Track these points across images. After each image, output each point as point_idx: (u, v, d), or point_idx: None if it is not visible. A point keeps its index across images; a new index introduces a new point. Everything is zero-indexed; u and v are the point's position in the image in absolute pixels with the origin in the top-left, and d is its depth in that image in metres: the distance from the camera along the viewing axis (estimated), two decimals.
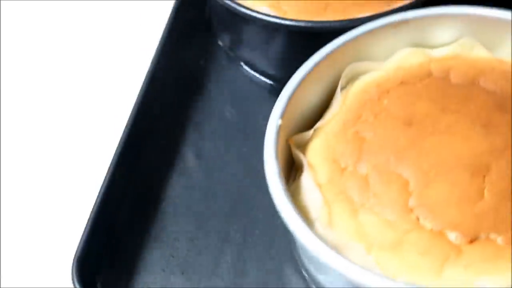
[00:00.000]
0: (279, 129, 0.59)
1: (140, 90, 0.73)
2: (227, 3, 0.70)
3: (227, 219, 0.67)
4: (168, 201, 0.69)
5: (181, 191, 0.70)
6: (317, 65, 0.62)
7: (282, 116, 0.59)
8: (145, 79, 0.74)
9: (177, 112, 0.75)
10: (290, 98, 0.60)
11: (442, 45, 0.64)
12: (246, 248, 0.66)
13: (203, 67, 0.79)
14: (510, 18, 0.62)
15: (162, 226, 0.68)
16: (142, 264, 0.65)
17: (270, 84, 0.77)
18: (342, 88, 0.64)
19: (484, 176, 0.55)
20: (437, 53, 0.64)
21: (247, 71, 0.79)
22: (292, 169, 0.62)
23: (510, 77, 0.61)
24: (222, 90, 0.77)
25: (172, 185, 0.71)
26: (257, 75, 0.78)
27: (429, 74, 0.62)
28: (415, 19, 0.64)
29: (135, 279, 0.65)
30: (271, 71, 0.76)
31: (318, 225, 0.55)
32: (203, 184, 0.70)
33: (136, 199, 0.69)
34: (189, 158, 0.72)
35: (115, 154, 0.68)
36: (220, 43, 0.81)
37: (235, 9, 0.69)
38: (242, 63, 0.79)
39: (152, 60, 0.75)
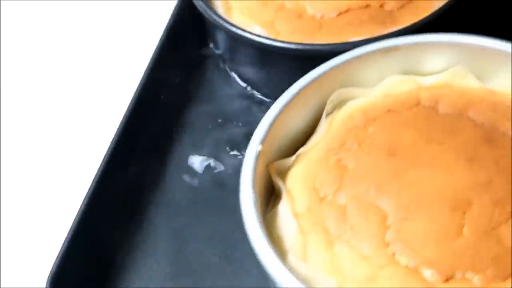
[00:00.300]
0: (259, 155, 0.57)
1: (130, 103, 0.73)
2: (218, 21, 0.69)
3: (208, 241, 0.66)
4: (150, 221, 0.68)
5: (163, 210, 0.69)
6: (302, 89, 0.61)
7: (263, 141, 0.58)
8: (137, 88, 0.74)
9: (165, 125, 0.75)
10: (272, 123, 0.59)
11: (433, 73, 0.63)
12: (226, 273, 0.64)
13: (195, 76, 0.78)
14: (502, 48, 0.60)
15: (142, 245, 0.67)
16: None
17: (261, 99, 0.75)
18: (328, 114, 0.62)
19: (464, 212, 0.53)
20: (427, 81, 0.63)
21: (239, 83, 0.77)
22: (273, 195, 0.60)
23: (500, 109, 0.59)
24: (211, 101, 0.77)
25: (155, 203, 0.69)
26: (249, 88, 0.77)
27: (418, 103, 0.61)
28: (406, 46, 0.62)
29: None
30: (262, 87, 0.75)
31: (291, 256, 0.54)
32: (186, 203, 0.69)
33: (117, 216, 0.69)
34: (174, 174, 0.71)
35: (99, 169, 0.68)
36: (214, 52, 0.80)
37: (225, 27, 0.68)
38: (234, 75, 0.77)
39: (147, 68, 0.75)
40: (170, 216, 0.69)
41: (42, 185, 0.74)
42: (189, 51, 0.79)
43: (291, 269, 0.53)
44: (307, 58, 0.66)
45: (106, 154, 0.69)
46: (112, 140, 0.70)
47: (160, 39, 0.77)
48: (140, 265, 0.66)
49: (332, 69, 0.62)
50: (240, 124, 0.74)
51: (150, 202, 0.70)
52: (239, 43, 0.71)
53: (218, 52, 0.79)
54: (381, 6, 0.70)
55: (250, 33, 0.68)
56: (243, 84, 0.77)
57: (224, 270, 0.65)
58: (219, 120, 0.75)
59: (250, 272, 0.63)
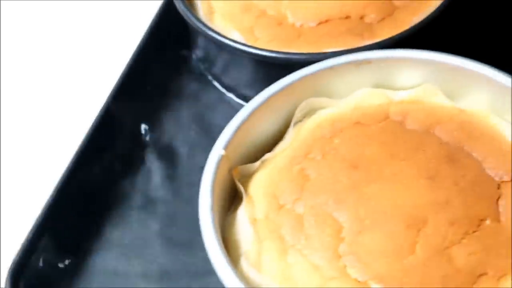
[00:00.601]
0: (221, 159, 0.58)
1: (105, 102, 0.72)
2: (195, 23, 0.69)
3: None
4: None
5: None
6: (271, 96, 0.61)
7: (227, 146, 0.58)
8: (112, 89, 0.74)
9: (139, 127, 0.75)
10: (238, 129, 0.60)
11: (404, 89, 0.63)
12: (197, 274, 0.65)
13: (174, 80, 0.78)
14: (475, 68, 0.60)
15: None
16: None
17: (239, 104, 0.75)
18: (297, 122, 0.63)
19: (419, 230, 0.53)
20: (397, 96, 0.63)
21: (217, 87, 0.77)
22: (236, 198, 0.61)
23: (467, 129, 0.59)
24: (189, 105, 0.76)
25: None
26: (227, 93, 0.77)
27: (386, 117, 0.61)
28: (378, 60, 0.62)
29: None
30: (240, 92, 0.75)
31: (243, 262, 0.54)
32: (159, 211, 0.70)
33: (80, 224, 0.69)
34: (144, 178, 0.71)
35: (66, 168, 0.68)
36: (194, 57, 0.80)
37: (203, 31, 0.69)
38: (213, 80, 0.78)
39: (124, 70, 0.75)
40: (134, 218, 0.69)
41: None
42: (169, 52, 0.79)
43: (241, 275, 0.53)
44: (282, 66, 0.66)
45: (75, 154, 0.69)
46: (83, 140, 0.70)
47: (142, 39, 0.77)
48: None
49: (303, 78, 0.62)
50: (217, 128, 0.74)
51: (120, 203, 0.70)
52: (218, 48, 0.71)
53: (198, 55, 0.79)
54: (361, 18, 0.70)
55: (227, 38, 0.68)
56: (222, 89, 0.77)
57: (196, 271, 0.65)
58: (196, 124, 0.75)
59: None
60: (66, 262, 0.66)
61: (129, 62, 0.76)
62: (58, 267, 0.66)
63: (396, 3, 0.71)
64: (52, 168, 0.71)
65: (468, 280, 0.51)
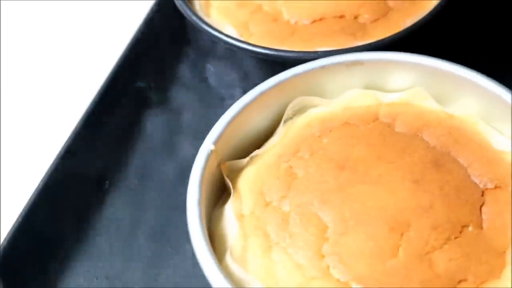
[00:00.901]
0: (211, 154, 0.58)
1: (95, 97, 0.73)
2: (190, 17, 0.70)
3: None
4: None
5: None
6: (262, 93, 0.61)
7: (216, 141, 0.59)
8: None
9: (130, 121, 0.75)
10: (228, 124, 0.60)
11: (395, 91, 0.63)
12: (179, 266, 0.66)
13: (170, 72, 0.78)
14: (464, 74, 0.61)
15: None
16: None
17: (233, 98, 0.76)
18: (287, 119, 0.63)
19: (402, 234, 0.54)
20: (388, 98, 0.63)
21: (211, 82, 0.78)
22: (224, 193, 0.61)
23: (455, 134, 0.60)
24: (183, 98, 0.77)
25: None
26: (221, 87, 0.77)
27: (376, 118, 0.62)
28: (370, 61, 0.63)
29: None
30: (235, 88, 0.76)
31: (227, 257, 0.55)
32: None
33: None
34: (131, 173, 0.72)
35: (52, 163, 0.69)
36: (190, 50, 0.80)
37: (198, 24, 0.69)
38: (208, 75, 0.78)
39: (119, 60, 0.75)
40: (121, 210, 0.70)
41: None
42: (164, 45, 0.79)
43: (225, 270, 0.53)
44: (275, 62, 0.66)
45: (60, 151, 0.70)
46: (69, 137, 0.71)
47: (137, 31, 0.77)
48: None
49: (294, 76, 0.62)
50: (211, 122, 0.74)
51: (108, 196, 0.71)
52: (212, 42, 0.71)
53: (193, 48, 0.79)
54: (355, 17, 0.71)
55: (220, 32, 0.69)
56: (217, 84, 0.78)
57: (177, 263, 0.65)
58: (189, 119, 0.75)
59: None
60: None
61: (120, 58, 0.76)
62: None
63: (391, 4, 0.72)
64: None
65: (447, 286, 0.52)
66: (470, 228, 0.54)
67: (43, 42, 0.87)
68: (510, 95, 0.59)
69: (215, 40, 0.69)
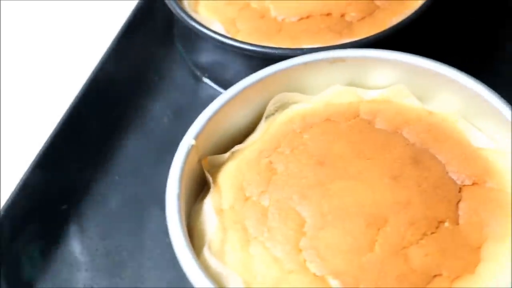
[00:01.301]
0: (191, 149, 0.59)
1: (81, 89, 0.74)
2: (177, 12, 0.70)
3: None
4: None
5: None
6: (245, 89, 0.62)
7: (197, 136, 0.59)
8: (88, 79, 0.75)
9: (115, 115, 0.76)
10: (209, 119, 0.60)
11: (377, 88, 0.64)
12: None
13: (156, 67, 0.79)
14: (445, 72, 0.61)
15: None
16: None
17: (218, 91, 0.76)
18: (269, 115, 0.64)
19: (379, 229, 0.55)
20: (369, 95, 0.64)
21: (197, 75, 0.78)
22: (205, 187, 0.62)
23: (434, 131, 0.60)
24: (168, 91, 0.77)
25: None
26: (207, 80, 0.78)
27: (356, 115, 0.62)
28: (352, 59, 0.63)
29: None
30: (220, 82, 0.76)
31: (206, 251, 0.55)
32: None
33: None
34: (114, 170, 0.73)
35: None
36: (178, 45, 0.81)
37: (184, 20, 0.69)
38: (193, 67, 0.79)
39: (103, 57, 0.76)
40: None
41: None
42: (151, 39, 0.80)
43: (203, 264, 0.54)
44: (260, 59, 0.67)
45: (48, 139, 0.71)
46: (56, 126, 0.71)
47: (125, 23, 0.78)
48: None
49: (277, 72, 0.63)
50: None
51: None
52: (199, 38, 0.72)
53: (180, 43, 0.80)
54: (342, 15, 0.71)
55: (207, 28, 0.69)
56: (203, 78, 0.78)
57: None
58: (175, 112, 0.76)
59: None
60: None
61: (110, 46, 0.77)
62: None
63: (378, 3, 0.72)
64: None
65: (422, 280, 0.52)
66: (446, 224, 0.55)
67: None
68: (489, 93, 0.59)
69: (202, 36, 0.69)
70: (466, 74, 0.61)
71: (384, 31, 0.67)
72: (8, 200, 0.66)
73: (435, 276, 0.53)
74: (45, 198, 0.69)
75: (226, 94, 0.62)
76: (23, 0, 0.91)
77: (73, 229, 0.68)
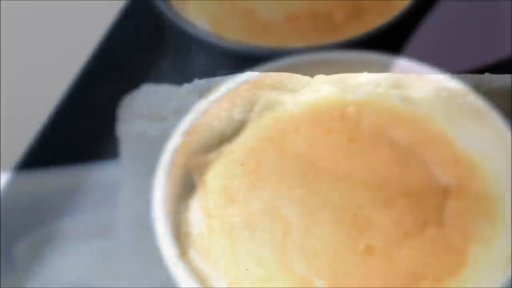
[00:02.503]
0: (178, 149, 0.59)
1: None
2: (163, 10, 0.70)
3: None
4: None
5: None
6: (230, 91, 0.62)
7: (186, 134, 0.59)
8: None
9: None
10: (197, 119, 0.61)
11: (363, 89, 0.64)
12: None
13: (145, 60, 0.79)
14: (429, 73, 0.61)
15: None
16: None
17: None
18: (256, 116, 0.64)
19: (364, 230, 0.55)
20: (355, 96, 0.63)
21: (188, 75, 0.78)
22: (192, 187, 0.62)
23: (421, 133, 0.60)
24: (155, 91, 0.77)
25: None
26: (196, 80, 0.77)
27: (343, 116, 0.62)
28: (338, 60, 0.63)
29: None
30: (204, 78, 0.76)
31: (192, 252, 0.55)
32: None
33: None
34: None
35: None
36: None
37: (169, 18, 0.69)
38: (180, 67, 0.78)
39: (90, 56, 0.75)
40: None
41: None
42: (138, 37, 0.80)
43: (189, 264, 0.54)
44: (246, 59, 0.67)
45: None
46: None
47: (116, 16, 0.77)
48: None
49: (262, 73, 0.63)
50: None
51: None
52: (186, 37, 0.72)
53: (167, 42, 0.80)
54: (329, 16, 0.71)
55: (192, 27, 0.69)
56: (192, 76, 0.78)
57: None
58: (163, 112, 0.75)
59: None
60: None
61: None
62: None
63: (365, 4, 0.72)
64: None
65: (407, 283, 0.53)
66: (431, 227, 0.55)
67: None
68: (475, 95, 0.59)
69: (188, 35, 0.69)
70: (451, 75, 0.61)
71: (371, 31, 0.67)
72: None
73: (420, 279, 0.53)
74: None
75: (213, 95, 0.62)
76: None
77: None
